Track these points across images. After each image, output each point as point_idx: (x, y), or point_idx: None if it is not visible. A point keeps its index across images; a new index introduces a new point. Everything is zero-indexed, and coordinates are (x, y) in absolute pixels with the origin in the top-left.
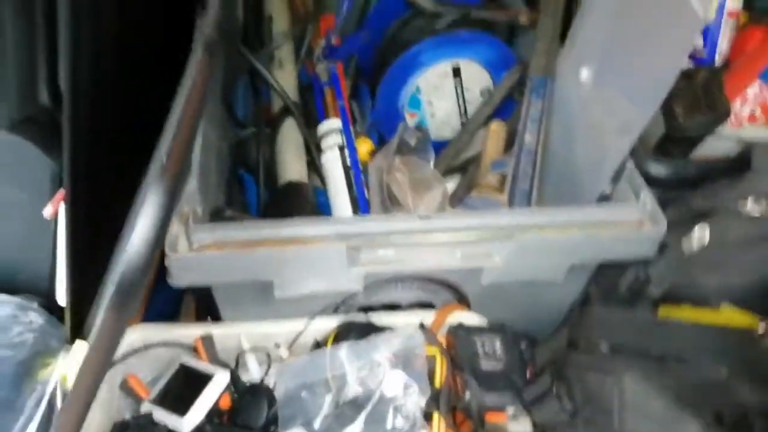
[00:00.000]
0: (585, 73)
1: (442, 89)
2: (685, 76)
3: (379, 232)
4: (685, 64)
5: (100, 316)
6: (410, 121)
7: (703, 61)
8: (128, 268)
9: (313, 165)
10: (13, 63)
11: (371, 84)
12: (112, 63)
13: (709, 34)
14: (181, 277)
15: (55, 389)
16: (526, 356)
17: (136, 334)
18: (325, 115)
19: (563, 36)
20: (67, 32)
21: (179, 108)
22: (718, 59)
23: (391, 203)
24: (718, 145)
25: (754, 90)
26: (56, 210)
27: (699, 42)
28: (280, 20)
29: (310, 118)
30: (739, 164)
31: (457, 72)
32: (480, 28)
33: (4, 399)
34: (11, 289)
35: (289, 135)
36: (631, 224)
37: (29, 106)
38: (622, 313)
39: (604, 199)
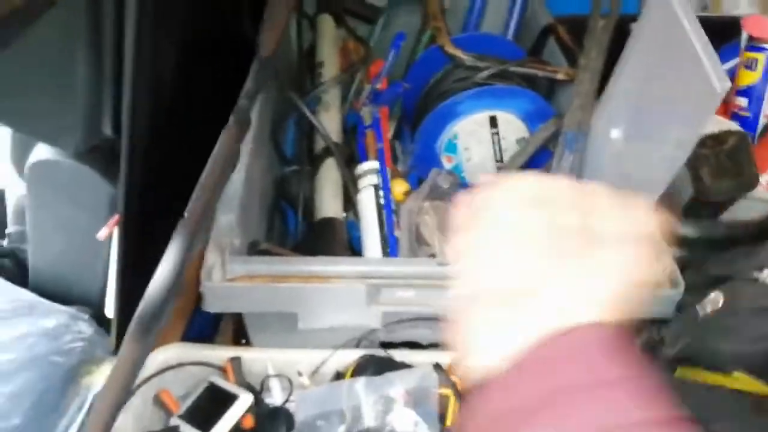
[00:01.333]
0: (615, 132)
1: (479, 136)
2: (714, 140)
3: (398, 274)
4: (704, 131)
5: (123, 345)
6: (447, 164)
7: (746, 121)
8: (148, 304)
9: (350, 202)
10: (81, 99)
11: (413, 127)
12: (168, 101)
13: (753, 93)
14: (213, 303)
15: (95, 396)
16: None
17: (172, 352)
18: (366, 156)
19: (600, 93)
20: (131, 72)
21: (206, 173)
22: (763, 119)
23: (419, 244)
24: (753, 207)
25: None
26: (110, 233)
27: (743, 101)
28: (330, 66)
29: (353, 157)
30: (760, 232)
31: (493, 121)
32: (519, 81)
33: (52, 402)
34: (67, 300)
35: (329, 173)
36: (649, 284)
37: (94, 138)
38: None
39: None
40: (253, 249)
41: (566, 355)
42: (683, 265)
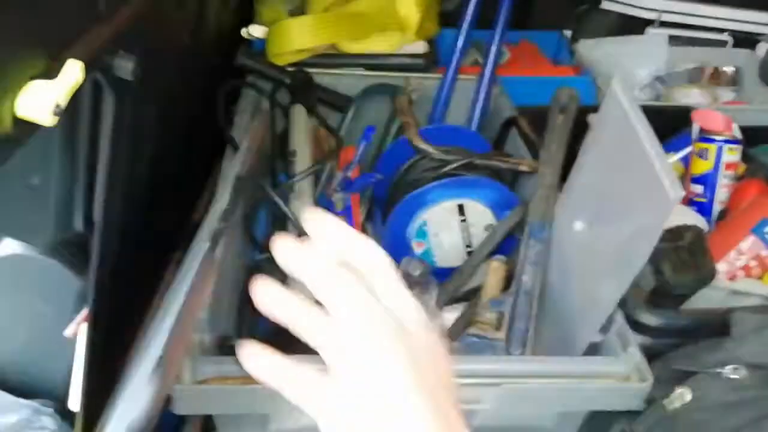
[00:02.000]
0: (578, 225)
1: (448, 223)
2: (672, 234)
3: None
4: (661, 231)
5: None
6: (418, 250)
7: (703, 206)
8: None
9: None
10: (54, 196)
11: (383, 213)
12: (142, 196)
13: (707, 180)
14: (183, 406)
15: None
16: None
17: None
18: None
19: (563, 182)
20: (104, 176)
21: (182, 305)
22: (717, 205)
23: None
24: (712, 295)
25: (748, 243)
26: (77, 330)
27: (698, 188)
28: (302, 155)
29: None
30: (720, 326)
31: (462, 209)
32: (485, 172)
33: None
34: (30, 392)
35: None
36: (617, 378)
37: (64, 232)
38: None
39: (593, 348)
40: (224, 346)
41: None
42: (649, 356)
